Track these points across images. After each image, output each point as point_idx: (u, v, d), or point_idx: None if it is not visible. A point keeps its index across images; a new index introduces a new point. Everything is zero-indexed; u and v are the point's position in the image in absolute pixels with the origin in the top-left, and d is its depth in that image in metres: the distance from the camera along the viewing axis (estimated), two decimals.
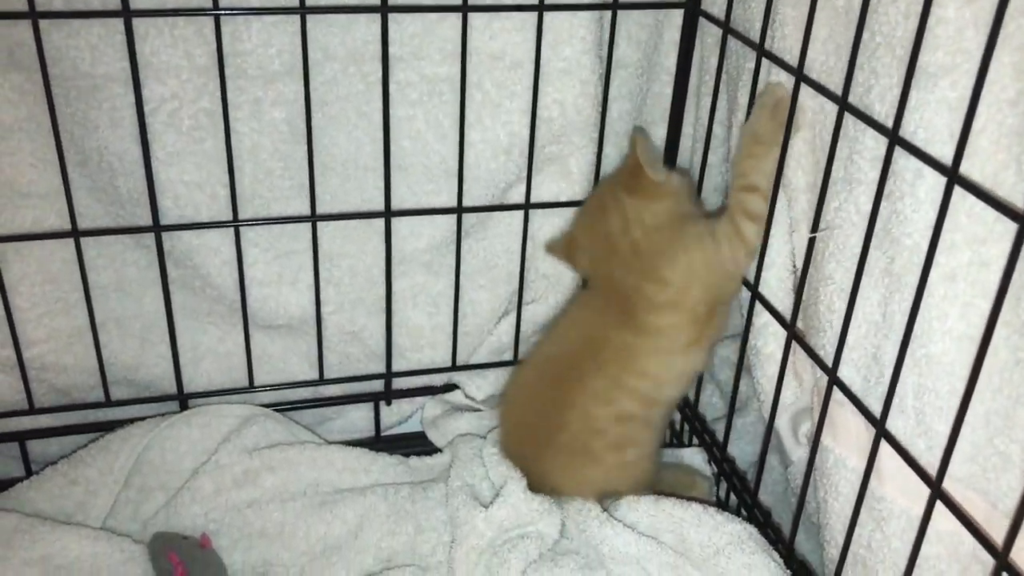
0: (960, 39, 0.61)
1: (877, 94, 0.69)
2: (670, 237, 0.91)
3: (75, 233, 0.91)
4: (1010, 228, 0.61)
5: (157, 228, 0.92)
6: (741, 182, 0.86)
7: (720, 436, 1.04)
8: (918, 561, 0.70)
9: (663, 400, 0.95)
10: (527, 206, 1.02)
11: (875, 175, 0.71)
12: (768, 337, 0.90)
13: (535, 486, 0.94)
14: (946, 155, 0.63)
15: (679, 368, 0.93)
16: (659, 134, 1.06)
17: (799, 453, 0.90)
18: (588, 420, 0.93)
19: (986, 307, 0.64)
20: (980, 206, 0.61)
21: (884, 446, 0.73)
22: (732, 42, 0.92)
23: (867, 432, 0.77)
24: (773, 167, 0.83)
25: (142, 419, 1.01)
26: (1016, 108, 0.59)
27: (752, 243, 0.87)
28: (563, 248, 1.00)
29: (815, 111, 0.79)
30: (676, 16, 0.99)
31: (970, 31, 0.61)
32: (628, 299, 0.91)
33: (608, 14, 0.95)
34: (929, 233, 0.66)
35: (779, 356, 0.87)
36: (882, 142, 0.69)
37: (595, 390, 0.92)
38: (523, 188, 1.01)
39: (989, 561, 0.67)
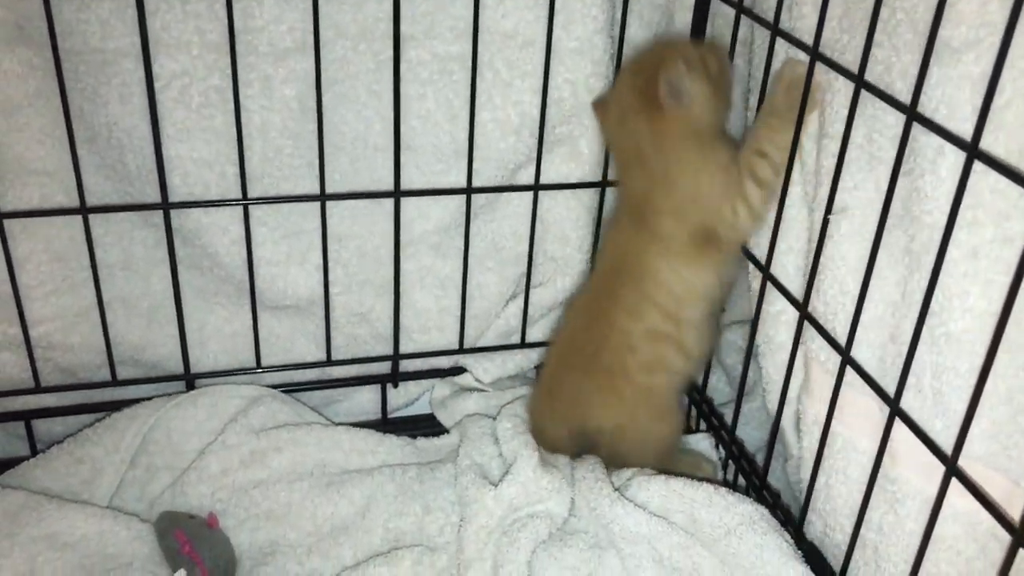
0: (984, 12, 0.61)
1: (899, 71, 0.68)
2: (692, 148, 0.89)
3: (83, 210, 0.90)
4: None
5: (166, 205, 0.92)
6: (753, 146, 0.87)
7: (728, 420, 1.04)
8: (935, 542, 0.70)
9: (685, 319, 0.93)
10: (536, 187, 1.01)
11: (895, 153, 0.70)
12: (780, 326, 0.89)
13: (570, 412, 0.97)
14: (968, 132, 0.63)
15: (690, 281, 0.92)
16: None
17: (798, 446, 0.89)
18: (623, 336, 0.94)
19: (1008, 282, 0.63)
20: (1005, 182, 0.61)
21: (898, 427, 0.73)
22: (745, 22, 0.92)
23: (880, 413, 0.76)
24: (786, 141, 0.83)
25: (148, 399, 1.01)
26: None
27: (756, 207, 0.87)
28: (601, 110, 0.98)
29: (825, 89, 0.79)
30: None
31: (995, 3, 0.60)
32: (642, 199, 0.91)
33: None
34: (948, 210, 0.66)
35: (789, 345, 0.87)
36: (902, 119, 0.68)
37: (626, 304, 0.93)
38: (532, 169, 1.00)
39: (1008, 539, 0.66)
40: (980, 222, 0.63)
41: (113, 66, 0.86)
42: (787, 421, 0.92)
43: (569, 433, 1.02)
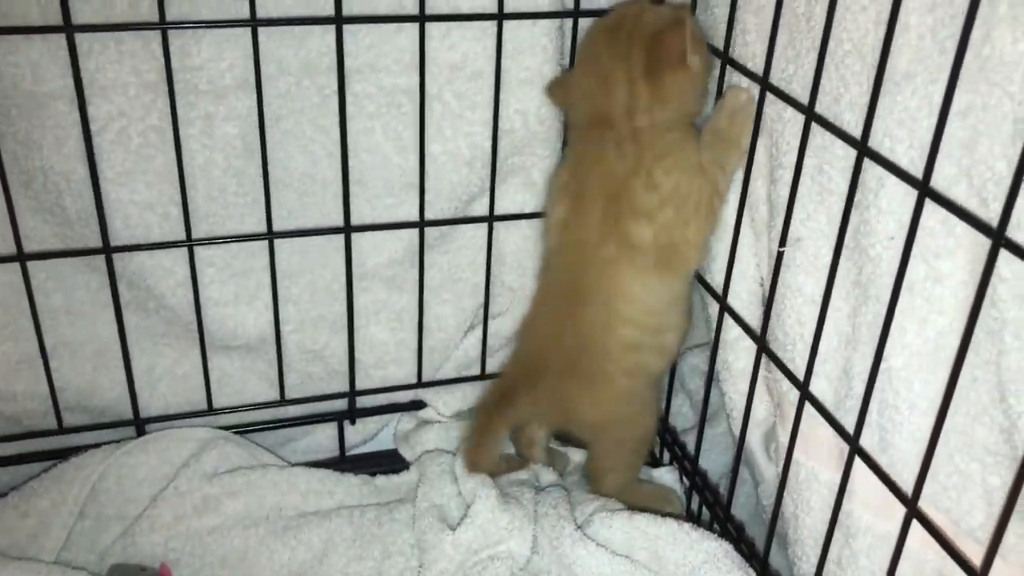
0: (920, 46, 0.60)
1: (847, 103, 0.68)
2: (675, 142, 0.85)
3: (20, 257, 0.87)
4: (963, 244, 0.61)
5: (107, 250, 0.89)
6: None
7: (691, 448, 1.02)
8: None
9: (664, 325, 0.92)
10: (491, 218, 0.99)
11: (846, 185, 0.69)
12: (740, 351, 0.89)
13: (556, 410, 0.97)
14: (907, 164, 0.63)
15: (660, 293, 0.89)
16: None
17: (771, 471, 0.89)
18: (600, 348, 0.91)
19: (941, 322, 0.63)
20: (933, 220, 0.61)
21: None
22: None
23: (838, 445, 0.76)
24: (729, 163, 0.83)
25: (97, 446, 0.98)
26: (966, 119, 0.58)
27: (711, 223, 0.87)
28: (558, 91, 0.93)
29: (774, 119, 0.78)
30: None
31: (928, 39, 0.60)
32: (616, 196, 0.86)
33: (569, 22, 0.93)
34: (891, 244, 0.66)
35: (749, 371, 0.86)
36: (851, 151, 0.67)
37: (599, 321, 0.90)
38: (486, 200, 0.98)
39: None
40: (913, 259, 0.63)
41: (46, 109, 0.83)
42: (756, 445, 0.91)
43: (550, 429, 1.04)
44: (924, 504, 0.66)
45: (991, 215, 0.57)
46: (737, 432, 0.89)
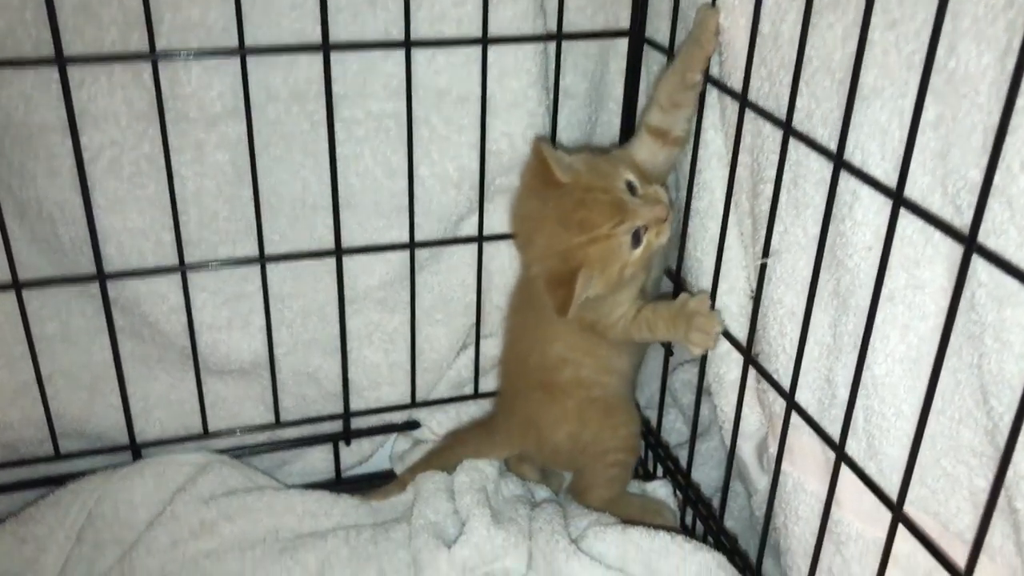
0: (886, 62, 0.62)
1: (819, 118, 0.69)
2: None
3: (16, 285, 0.89)
4: (941, 252, 0.62)
5: (101, 276, 0.90)
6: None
7: (684, 462, 1.03)
8: None
9: (608, 353, 0.96)
10: (480, 239, 1.01)
11: (820, 198, 0.71)
12: (731, 364, 0.89)
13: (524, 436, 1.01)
14: (881, 176, 0.64)
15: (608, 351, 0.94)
16: None
17: (764, 482, 0.89)
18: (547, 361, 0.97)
19: (923, 328, 0.64)
20: (912, 229, 0.62)
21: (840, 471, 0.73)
22: None
23: (824, 455, 0.77)
24: (693, 65, 0.84)
25: (93, 472, 0.99)
26: (938, 131, 0.59)
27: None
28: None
29: (755, 135, 0.79)
30: (621, 45, 0.99)
31: (893, 54, 0.61)
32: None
33: (553, 45, 0.95)
34: (868, 254, 0.67)
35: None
36: (825, 165, 0.69)
37: (540, 336, 0.96)
38: (475, 220, 1.00)
39: None
40: (893, 268, 0.64)
41: (39, 140, 0.84)
42: (749, 457, 0.92)
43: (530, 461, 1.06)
44: (913, 508, 0.66)
45: (966, 223, 0.58)
46: (729, 444, 0.90)
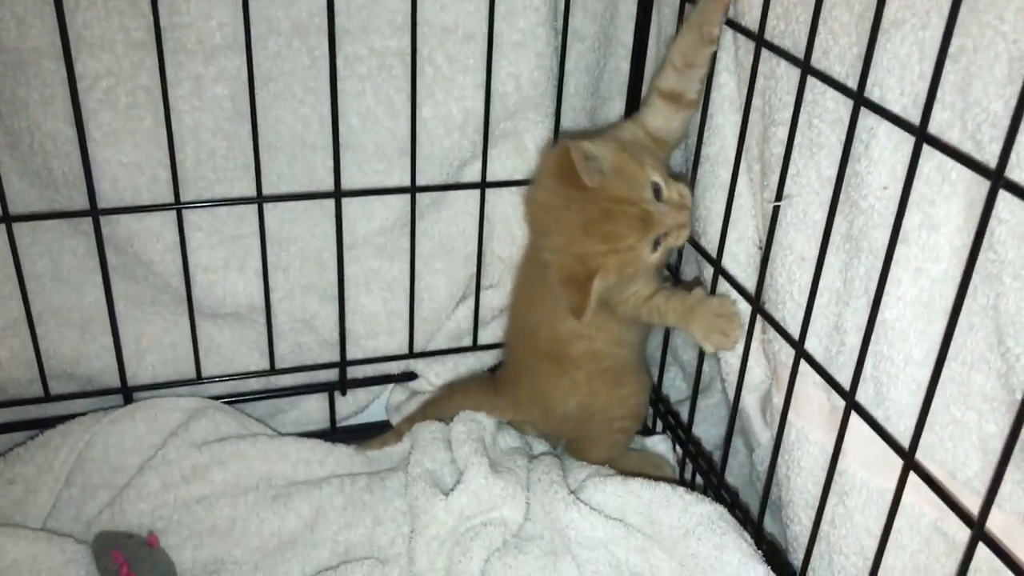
0: None
1: (836, 55, 0.67)
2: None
3: (7, 219, 0.86)
4: (957, 188, 0.60)
5: (95, 212, 0.88)
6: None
7: (684, 418, 1.02)
8: (881, 536, 0.69)
9: (619, 328, 0.94)
10: (483, 185, 0.98)
11: (836, 138, 0.69)
12: None
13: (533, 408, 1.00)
14: (899, 112, 0.62)
15: (602, 318, 0.90)
16: (617, 109, 1.04)
17: (767, 435, 0.88)
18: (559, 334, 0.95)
19: (936, 271, 0.63)
20: (928, 166, 0.60)
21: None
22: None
23: (829, 404, 0.75)
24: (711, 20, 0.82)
25: (84, 414, 0.97)
26: (958, 62, 0.57)
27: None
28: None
29: (767, 76, 0.77)
30: None
31: None
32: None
33: None
34: (884, 194, 0.65)
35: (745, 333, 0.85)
36: (842, 103, 0.67)
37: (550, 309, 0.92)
38: (478, 165, 0.98)
39: (951, 533, 0.65)
40: (908, 208, 0.62)
41: (32, 67, 0.82)
42: (752, 410, 0.90)
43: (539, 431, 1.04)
44: (920, 456, 0.65)
45: (987, 157, 0.56)
46: (732, 398, 0.89)
